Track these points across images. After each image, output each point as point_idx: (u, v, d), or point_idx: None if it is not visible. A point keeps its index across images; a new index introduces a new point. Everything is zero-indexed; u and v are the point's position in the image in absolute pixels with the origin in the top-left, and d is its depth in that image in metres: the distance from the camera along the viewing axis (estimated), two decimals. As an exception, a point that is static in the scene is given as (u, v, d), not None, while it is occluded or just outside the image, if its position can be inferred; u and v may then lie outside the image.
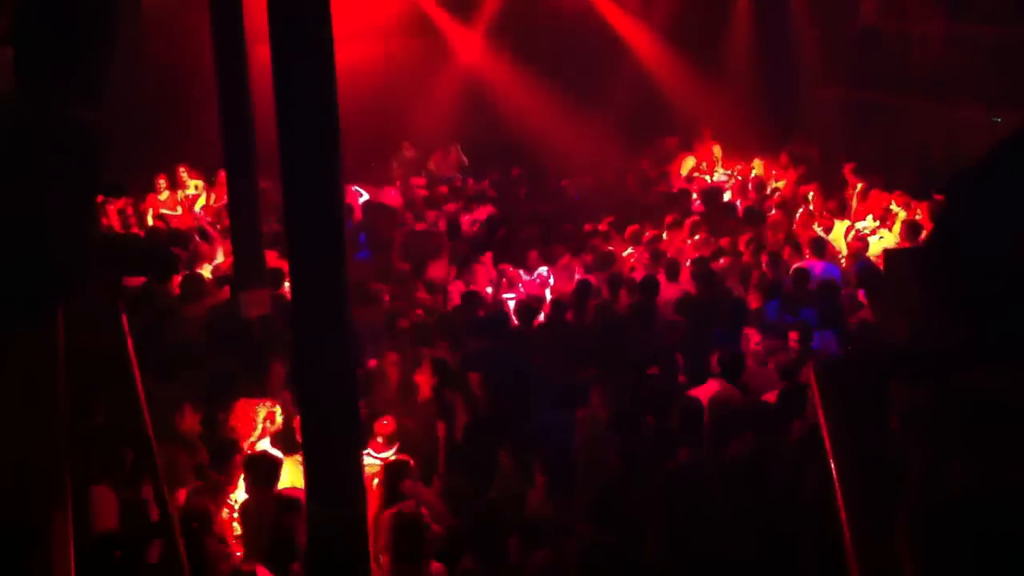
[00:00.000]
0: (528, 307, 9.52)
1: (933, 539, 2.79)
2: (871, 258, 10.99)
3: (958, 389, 2.92)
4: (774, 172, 15.54)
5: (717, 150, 16.47)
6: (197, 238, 12.01)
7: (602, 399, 7.55)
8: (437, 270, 11.05)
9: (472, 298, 9.90)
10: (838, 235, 12.29)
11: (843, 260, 11.43)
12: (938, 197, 12.27)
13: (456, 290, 10.46)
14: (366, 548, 5.07)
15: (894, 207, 12.49)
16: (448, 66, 18.96)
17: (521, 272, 11.08)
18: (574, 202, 15.05)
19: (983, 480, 2.82)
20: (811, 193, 13.61)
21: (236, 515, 6.37)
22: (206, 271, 10.84)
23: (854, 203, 13.33)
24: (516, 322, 9.39)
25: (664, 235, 12.12)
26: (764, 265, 10.62)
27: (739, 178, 15.38)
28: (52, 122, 2.87)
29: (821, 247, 10.94)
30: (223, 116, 8.94)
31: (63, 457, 3.09)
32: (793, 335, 8.51)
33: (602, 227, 12.56)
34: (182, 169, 14.55)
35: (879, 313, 8.81)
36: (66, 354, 3.08)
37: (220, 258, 11.34)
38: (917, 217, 11.97)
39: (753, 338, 8.68)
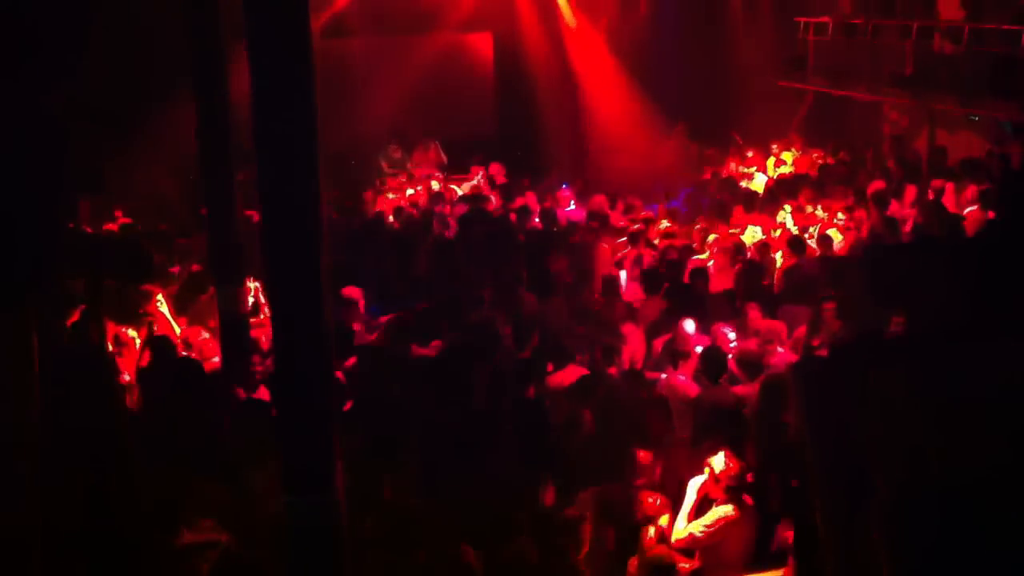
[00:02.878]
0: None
1: (907, 528, 2.81)
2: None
3: (935, 375, 2.94)
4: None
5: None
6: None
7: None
8: None
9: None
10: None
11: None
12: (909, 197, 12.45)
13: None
14: (342, 538, 5.10)
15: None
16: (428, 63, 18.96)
17: None
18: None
19: (958, 467, 2.84)
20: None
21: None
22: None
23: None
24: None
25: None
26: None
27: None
28: (21, 110, 2.84)
29: (800, 246, 11.00)
30: (199, 111, 8.88)
31: (34, 448, 3.07)
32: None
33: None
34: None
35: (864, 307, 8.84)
36: (40, 348, 3.06)
37: None
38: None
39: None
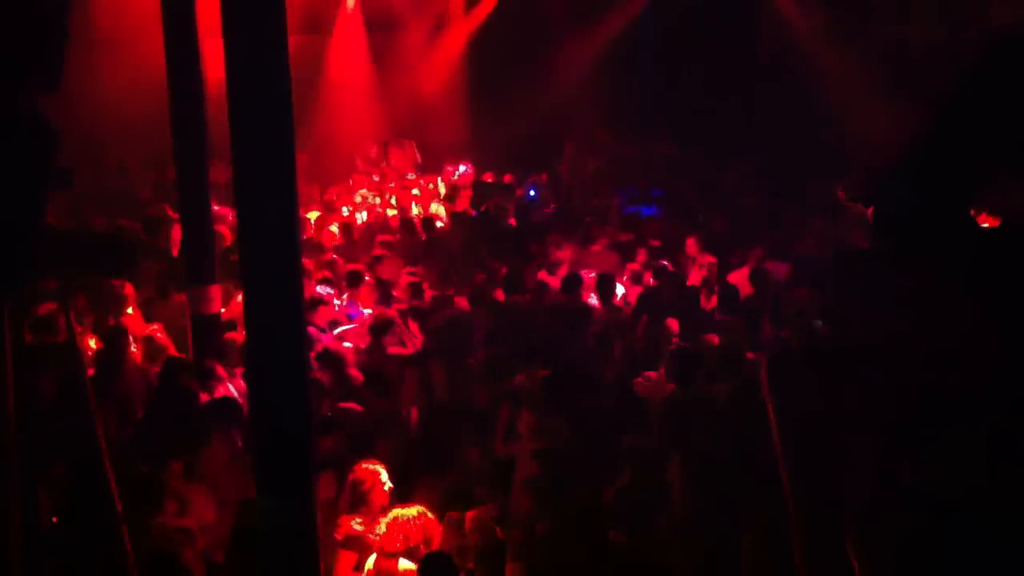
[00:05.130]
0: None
1: (881, 534, 2.83)
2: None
3: (904, 382, 2.96)
4: None
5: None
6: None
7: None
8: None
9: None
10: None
11: None
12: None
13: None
14: (316, 540, 5.09)
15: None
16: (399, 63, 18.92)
17: None
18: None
19: (929, 475, 2.86)
20: None
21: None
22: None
23: None
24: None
25: None
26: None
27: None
28: (5, 110, 2.82)
29: None
30: (174, 107, 8.83)
31: (10, 449, 3.05)
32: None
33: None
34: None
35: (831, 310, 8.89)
36: (13, 347, 3.03)
37: None
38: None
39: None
